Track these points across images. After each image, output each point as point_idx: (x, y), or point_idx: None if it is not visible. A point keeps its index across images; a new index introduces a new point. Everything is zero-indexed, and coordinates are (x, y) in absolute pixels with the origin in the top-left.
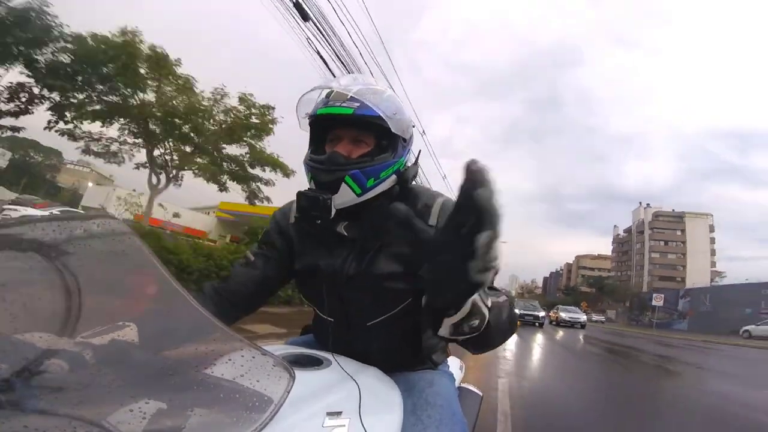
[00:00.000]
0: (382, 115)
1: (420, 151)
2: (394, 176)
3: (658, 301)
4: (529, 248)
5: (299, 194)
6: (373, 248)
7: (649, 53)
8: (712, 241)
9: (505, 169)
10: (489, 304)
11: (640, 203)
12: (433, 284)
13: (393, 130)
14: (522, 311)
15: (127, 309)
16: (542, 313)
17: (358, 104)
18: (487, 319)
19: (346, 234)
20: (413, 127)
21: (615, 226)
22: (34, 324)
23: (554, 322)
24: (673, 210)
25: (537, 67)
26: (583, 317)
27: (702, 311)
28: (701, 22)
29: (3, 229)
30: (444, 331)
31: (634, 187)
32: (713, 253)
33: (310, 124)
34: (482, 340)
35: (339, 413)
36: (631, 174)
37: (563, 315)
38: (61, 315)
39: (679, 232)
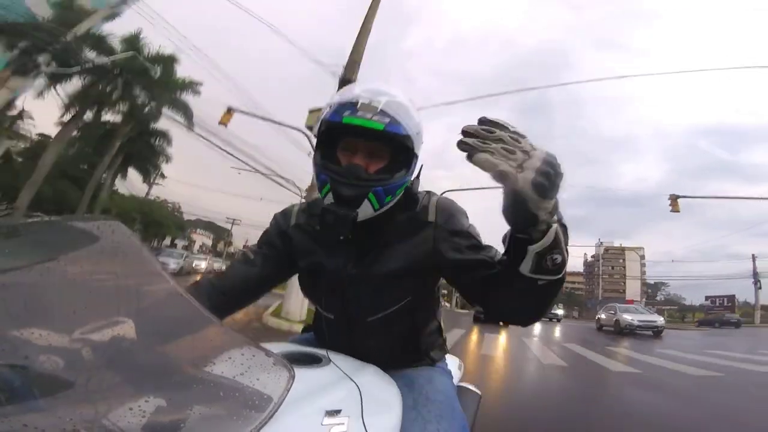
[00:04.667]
0: (411, 135)
1: (422, 165)
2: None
3: (559, 308)
4: None
5: (325, 210)
6: (374, 248)
7: (635, 55)
8: (643, 265)
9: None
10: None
11: (599, 239)
12: (511, 209)
13: (415, 150)
14: None
15: (126, 306)
16: (560, 311)
17: (388, 120)
18: (566, 260)
19: (348, 235)
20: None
21: (585, 253)
22: (34, 322)
23: (611, 328)
24: (621, 244)
25: (527, 73)
26: (661, 320)
27: None
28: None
29: (5, 229)
30: (527, 265)
31: (628, 188)
32: (643, 273)
33: (323, 128)
34: (550, 292)
35: (338, 411)
36: (624, 176)
37: (627, 318)
38: (61, 313)
39: (621, 260)
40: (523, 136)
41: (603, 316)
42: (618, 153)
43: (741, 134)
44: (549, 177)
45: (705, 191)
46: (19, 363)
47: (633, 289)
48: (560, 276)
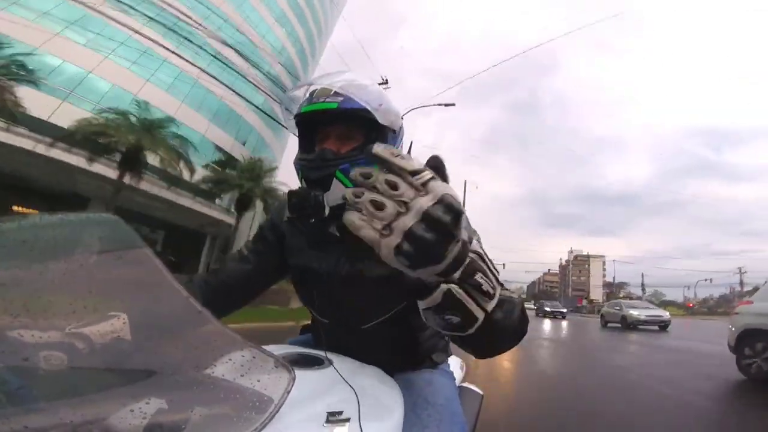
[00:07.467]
0: (367, 106)
1: (411, 142)
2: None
3: (563, 308)
4: (519, 253)
5: (290, 193)
6: (368, 250)
7: (624, 56)
8: (604, 269)
9: (493, 175)
10: (489, 306)
11: (571, 248)
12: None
13: (380, 121)
14: (551, 309)
15: (126, 306)
16: (564, 310)
17: (342, 98)
18: (478, 323)
19: (338, 235)
20: (402, 119)
21: (560, 258)
22: (34, 322)
23: (617, 324)
24: (588, 253)
25: (518, 72)
26: (667, 315)
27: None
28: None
29: (4, 226)
30: (428, 319)
31: (618, 187)
32: (604, 276)
33: (297, 125)
34: (480, 342)
35: (339, 413)
36: (613, 174)
37: (634, 313)
38: (60, 313)
39: (586, 266)
40: (415, 172)
41: (608, 311)
42: (606, 152)
43: (725, 134)
44: (422, 243)
45: (689, 190)
46: (19, 364)
47: (595, 291)
48: (469, 332)
